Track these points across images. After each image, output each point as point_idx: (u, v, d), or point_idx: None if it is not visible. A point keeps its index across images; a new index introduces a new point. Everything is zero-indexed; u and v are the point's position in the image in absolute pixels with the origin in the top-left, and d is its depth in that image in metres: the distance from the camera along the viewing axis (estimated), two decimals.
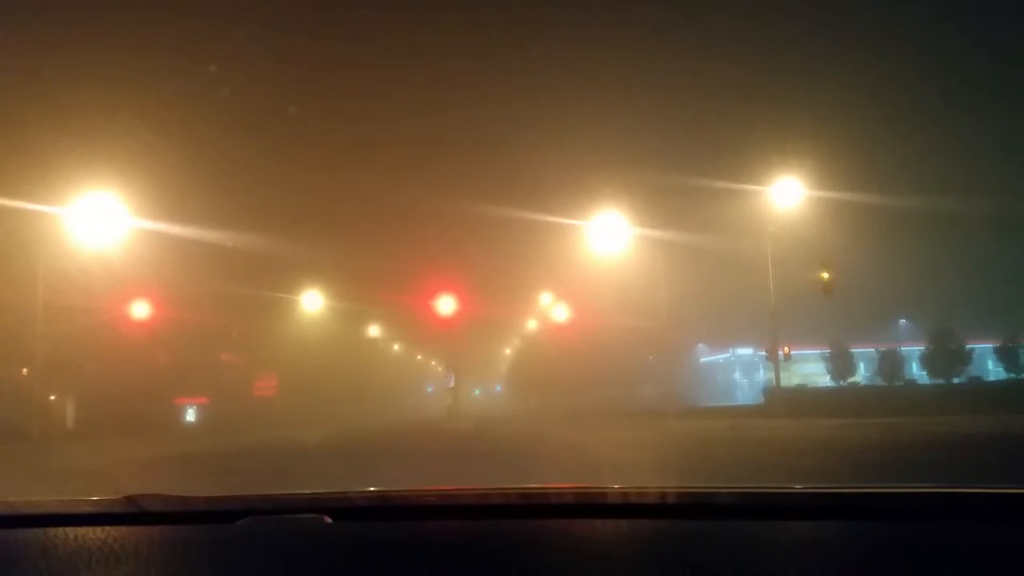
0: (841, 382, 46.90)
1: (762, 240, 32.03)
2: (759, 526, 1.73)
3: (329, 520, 1.86)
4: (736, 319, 52.46)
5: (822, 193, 31.66)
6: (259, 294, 44.45)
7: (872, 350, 48.72)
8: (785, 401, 31.39)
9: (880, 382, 46.32)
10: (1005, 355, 46.37)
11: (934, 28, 65.44)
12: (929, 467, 10.23)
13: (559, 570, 1.55)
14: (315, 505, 1.96)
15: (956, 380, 43.67)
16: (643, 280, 40.20)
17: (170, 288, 34.84)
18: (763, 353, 38.74)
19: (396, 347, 79.63)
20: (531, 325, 61.48)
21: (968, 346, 46.03)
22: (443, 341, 50.51)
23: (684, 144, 67.86)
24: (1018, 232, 51.15)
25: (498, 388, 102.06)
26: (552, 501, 2.02)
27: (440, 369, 65.47)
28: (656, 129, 61.47)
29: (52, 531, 1.80)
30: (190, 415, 46.89)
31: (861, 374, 50.87)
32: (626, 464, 11.92)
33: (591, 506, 1.93)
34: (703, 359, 71.79)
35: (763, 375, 56.02)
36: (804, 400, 34.84)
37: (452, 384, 49.61)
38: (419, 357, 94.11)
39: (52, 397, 35.21)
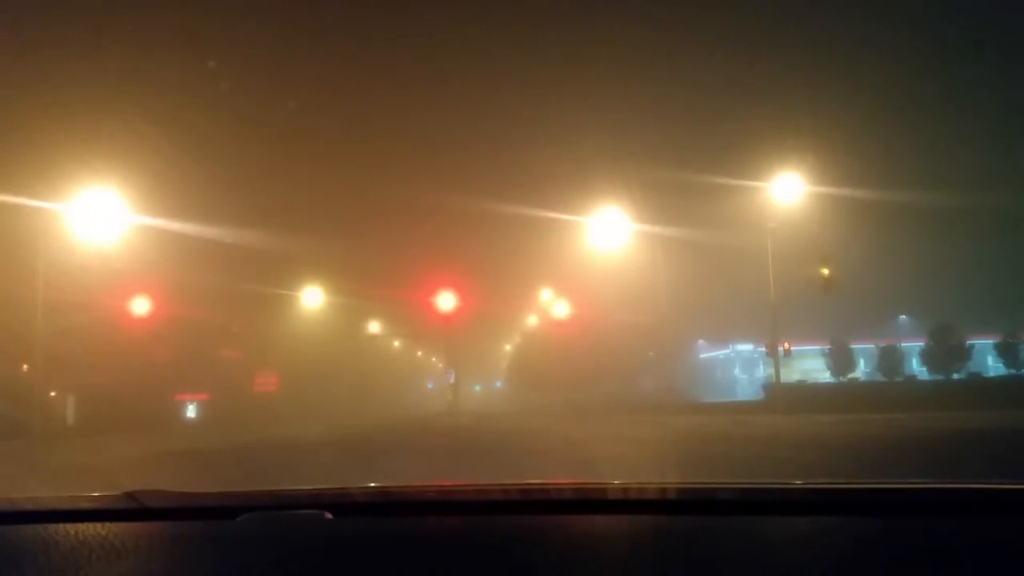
0: (841, 378, 46.76)
1: (762, 236, 32.10)
2: (759, 522, 1.73)
3: (329, 516, 1.86)
4: (736, 315, 52.36)
5: (822, 189, 31.70)
6: (259, 290, 44.55)
7: (872, 346, 48.60)
8: (785, 397, 31.42)
9: (880, 378, 46.21)
10: (1005, 351, 46.22)
11: (935, 23, 65.36)
12: (929, 463, 10.23)
13: (559, 565, 1.55)
14: (315, 501, 1.96)
15: (956, 376, 43.54)
16: (643, 276, 40.26)
17: (170, 284, 34.92)
18: (763, 349, 38.80)
19: (396, 343, 79.57)
20: (531, 321, 61.51)
21: (968, 342, 45.87)
22: (443, 337, 50.56)
23: (684, 140, 67.97)
24: (1019, 228, 51.05)
25: (498, 384, 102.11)
26: (552, 497, 2.02)
27: (440, 365, 65.60)
28: (656, 125, 61.33)
29: (53, 527, 1.80)
30: (190, 411, 46.95)
31: (861, 370, 50.78)
32: (626, 460, 11.92)
33: (591, 502, 1.93)
34: (703, 355, 71.69)
35: (763, 371, 56.04)
36: (804, 396, 34.87)
37: (452, 380, 49.75)
38: (419, 353, 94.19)
39: (52, 393, 35.21)
